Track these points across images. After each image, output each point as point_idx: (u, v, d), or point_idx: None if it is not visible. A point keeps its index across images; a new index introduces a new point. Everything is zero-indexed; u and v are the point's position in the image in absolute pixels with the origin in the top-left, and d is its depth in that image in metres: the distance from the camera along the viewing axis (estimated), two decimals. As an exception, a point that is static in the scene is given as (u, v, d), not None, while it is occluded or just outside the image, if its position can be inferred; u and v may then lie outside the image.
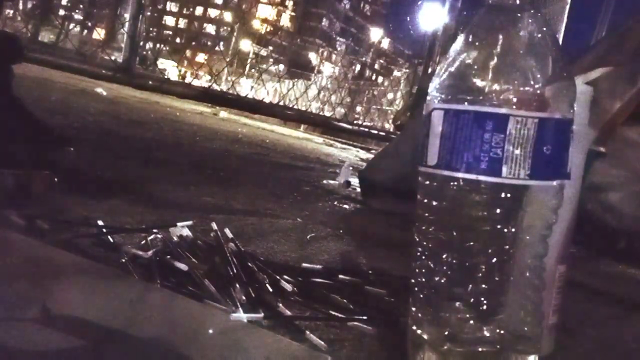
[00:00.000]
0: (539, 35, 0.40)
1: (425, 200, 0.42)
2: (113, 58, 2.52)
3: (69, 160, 0.88)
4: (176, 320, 0.44)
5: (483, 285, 0.40)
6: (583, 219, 0.52)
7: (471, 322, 0.40)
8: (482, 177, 0.38)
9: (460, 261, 0.40)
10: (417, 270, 0.43)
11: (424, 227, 0.42)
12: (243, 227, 0.82)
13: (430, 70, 3.22)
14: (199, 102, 3.33)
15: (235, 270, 0.56)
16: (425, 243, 0.42)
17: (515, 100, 0.38)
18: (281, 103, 3.63)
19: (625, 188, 1.20)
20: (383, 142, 3.51)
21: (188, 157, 1.64)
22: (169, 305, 0.46)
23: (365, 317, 0.52)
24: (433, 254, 0.41)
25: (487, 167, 0.38)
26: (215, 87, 3.11)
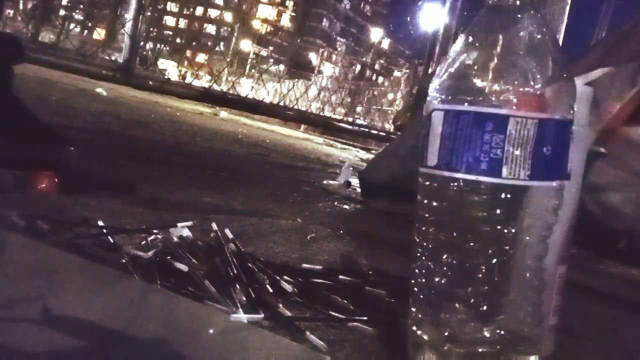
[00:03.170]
0: (539, 36, 0.40)
1: (425, 201, 0.42)
2: (113, 58, 2.52)
3: (69, 160, 0.88)
4: (176, 321, 0.44)
5: (483, 286, 0.40)
6: (583, 220, 0.52)
7: (471, 322, 0.40)
8: (482, 178, 0.38)
9: (460, 262, 0.40)
10: (417, 271, 0.43)
11: (424, 228, 0.42)
12: (243, 227, 0.82)
13: (430, 70, 3.22)
14: (199, 103, 3.33)
15: (235, 271, 0.56)
16: (425, 244, 0.42)
17: (515, 100, 0.38)
18: (281, 103, 3.63)
19: (626, 188, 1.20)
20: (383, 142, 3.51)
21: (188, 157, 1.64)
22: (169, 306, 0.46)
23: (365, 318, 0.52)
24: (433, 255, 0.41)
25: (487, 167, 0.38)
26: (215, 87, 3.11)
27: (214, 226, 0.67)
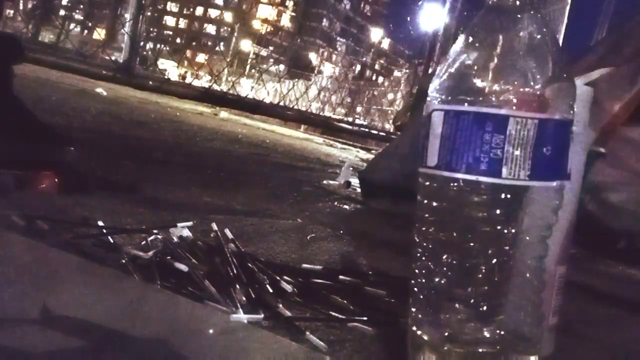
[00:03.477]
0: (539, 36, 0.40)
1: (425, 201, 0.42)
2: (113, 58, 2.53)
3: (69, 160, 0.88)
4: (176, 321, 0.44)
5: (483, 286, 0.40)
6: (583, 220, 0.52)
7: (471, 323, 0.40)
8: (482, 178, 0.38)
9: (460, 262, 0.40)
10: (417, 271, 0.43)
11: (424, 228, 0.42)
12: (243, 227, 0.82)
13: (430, 70, 3.22)
14: (199, 103, 3.33)
15: (235, 271, 0.56)
16: (425, 244, 0.42)
17: (515, 101, 0.38)
18: (281, 103, 3.63)
19: (626, 188, 1.20)
20: (383, 142, 3.51)
21: (188, 157, 1.64)
22: (169, 306, 0.46)
23: (365, 318, 0.52)
24: (433, 255, 0.41)
25: (487, 167, 0.38)
26: (215, 87, 3.11)
27: (214, 226, 0.67)
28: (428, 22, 3.77)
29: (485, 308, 0.40)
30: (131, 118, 2.30)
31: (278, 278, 0.57)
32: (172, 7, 36.13)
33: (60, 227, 0.60)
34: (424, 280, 0.42)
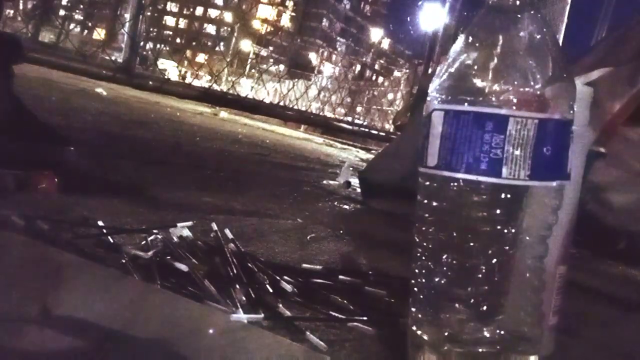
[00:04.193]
0: (539, 36, 0.40)
1: (425, 201, 0.42)
2: (113, 58, 2.53)
3: (69, 160, 0.88)
4: (176, 321, 0.44)
5: (483, 286, 0.40)
6: (583, 220, 0.52)
7: (471, 322, 0.40)
8: (482, 178, 0.38)
9: (460, 262, 0.40)
10: (417, 271, 0.43)
11: (424, 228, 0.42)
12: (243, 227, 0.82)
13: (430, 70, 3.22)
14: (199, 103, 3.33)
15: (235, 271, 0.56)
16: (425, 244, 0.42)
17: (515, 101, 0.38)
18: (281, 103, 3.63)
19: (626, 188, 1.20)
20: (383, 142, 3.51)
21: (188, 157, 1.64)
22: (169, 306, 0.46)
23: (365, 318, 0.52)
24: (433, 255, 0.41)
25: (487, 167, 0.38)
26: (215, 87, 3.11)
27: (214, 226, 0.67)
28: (428, 22, 3.77)
29: (485, 308, 0.40)
30: (131, 118, 2.30)
31: (278, 278, 0.57)
32: (172, 7, 36.09)
33: (60, 227, 0.60)
34: (424, 280, 0.42)
